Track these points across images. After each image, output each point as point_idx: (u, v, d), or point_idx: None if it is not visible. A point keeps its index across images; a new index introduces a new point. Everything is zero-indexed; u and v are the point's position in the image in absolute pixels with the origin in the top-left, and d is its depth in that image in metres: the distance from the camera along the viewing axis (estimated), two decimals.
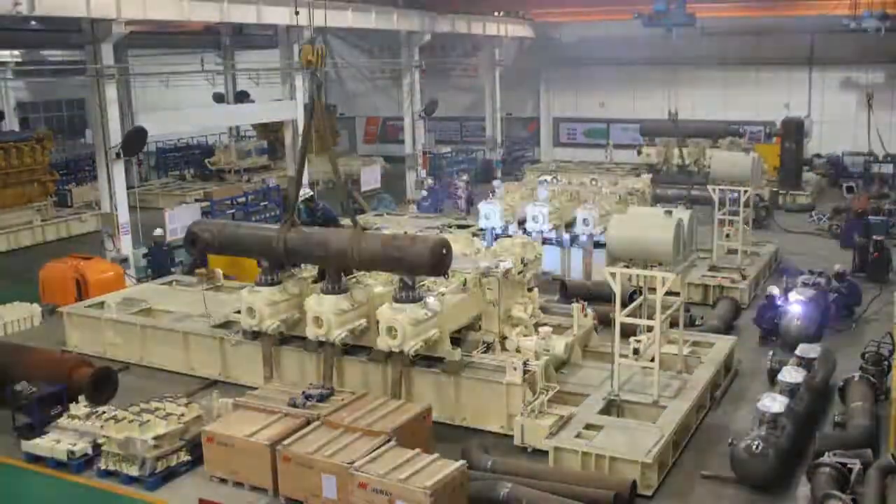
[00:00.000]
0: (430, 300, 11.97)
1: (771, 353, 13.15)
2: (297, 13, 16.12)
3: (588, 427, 10.84)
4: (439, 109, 31.37)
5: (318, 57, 12.87)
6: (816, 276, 16.08)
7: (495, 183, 22.20)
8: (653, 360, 11.58)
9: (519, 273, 13.14)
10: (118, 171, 18.75)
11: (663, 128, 30.15)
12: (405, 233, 14.37)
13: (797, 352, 12.59)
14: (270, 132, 33.79)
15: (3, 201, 24.65)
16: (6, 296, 17.49)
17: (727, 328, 15.11)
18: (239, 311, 13.49)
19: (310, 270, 13.67)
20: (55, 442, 11.14)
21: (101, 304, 15.55)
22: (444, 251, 11.59)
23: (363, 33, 33.44)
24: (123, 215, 18.89)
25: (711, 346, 13.44)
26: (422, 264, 11.59)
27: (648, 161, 30.03)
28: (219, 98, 34.84)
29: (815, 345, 12.95)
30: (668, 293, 11.41)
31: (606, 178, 21.45)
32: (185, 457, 10.78)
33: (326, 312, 12.01)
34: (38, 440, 11.25)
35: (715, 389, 12.56)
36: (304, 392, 11.00)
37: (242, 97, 34.19)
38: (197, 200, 25.49)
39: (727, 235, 18.87)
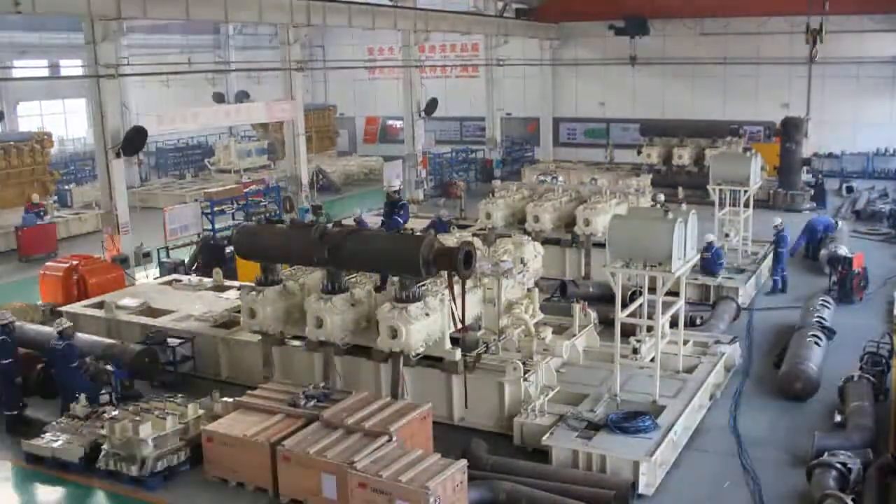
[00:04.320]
0: (431, 300, 11.95)
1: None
2: None
3: (588, 427, 10.83)
4: (439, 109, 31.32)
5: None
6: None
7: (495, 183, 22.17)
8: (653, 360, 11.59)
9: (519, 273, 13.13)
10: (118, 170, 18.75)
11: (663, 127, 30.14)
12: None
13: None
14: (271, 132, 33.82)
15: (3, 201, 24.63)
16: (6, 296, 17.48)
17: (727, 328, 15.09)
18: (238, 311, 13.47)
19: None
20: (54, 442, 11.12)
21: (101, 304, 15.56)
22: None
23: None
24: (123, 215, 18.89)
25: (711, 347, 13.43)
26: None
27: (649, 161, 29.96)
28: (219, 98, 34.83)
29: None
30: (669, 293, 11.41)
31: (606, 178, 21.42)
32: (185, 457, 10.75)
33: (327, 312, 12.00)
34: (37, 440, 11.22)
35: (715, 389, 12.57)
36: (304, 392, 10.98)
37: (242, 96, 34.18)
38: (196, 200, 25.42)
39: (727, 235, 18.87)
